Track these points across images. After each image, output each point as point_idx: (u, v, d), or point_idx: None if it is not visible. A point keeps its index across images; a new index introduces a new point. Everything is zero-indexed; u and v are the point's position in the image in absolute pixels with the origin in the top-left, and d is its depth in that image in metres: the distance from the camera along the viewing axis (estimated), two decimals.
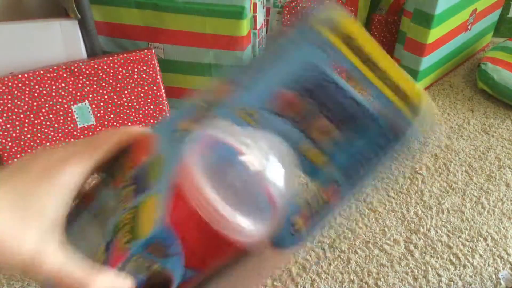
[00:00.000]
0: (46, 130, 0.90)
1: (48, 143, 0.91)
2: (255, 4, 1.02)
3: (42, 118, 0.89)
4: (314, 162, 0.36)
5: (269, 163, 0.33)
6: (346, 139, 0.34)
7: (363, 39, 0.31)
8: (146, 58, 0.93)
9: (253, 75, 0.33)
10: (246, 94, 0.34)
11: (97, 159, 0.32)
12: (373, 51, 0.31)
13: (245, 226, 0.31)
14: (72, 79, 0.90)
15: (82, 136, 0.93)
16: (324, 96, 0.34)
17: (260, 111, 0.34)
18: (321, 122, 0.34)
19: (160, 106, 0.96)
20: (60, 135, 0.91)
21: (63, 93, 0.90)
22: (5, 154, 0.89)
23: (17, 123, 0.88)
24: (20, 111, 0.87)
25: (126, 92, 0.93)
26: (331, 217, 0.32)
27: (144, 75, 0.94)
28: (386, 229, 0.81)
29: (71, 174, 0.30)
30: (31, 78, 0.87)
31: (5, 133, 0.88)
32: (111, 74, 0.92)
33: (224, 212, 0.30)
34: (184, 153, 0.31)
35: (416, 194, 0.88)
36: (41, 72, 0.88)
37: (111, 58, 0.92)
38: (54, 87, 0.89)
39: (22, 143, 0.89)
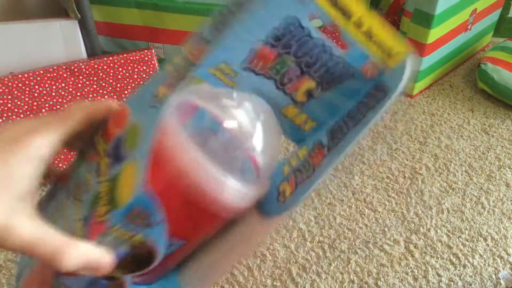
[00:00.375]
0: None
1: None
2: None
3: None
4: (299, 126, 0.35)
5: (252, 129, 0.31)
6: (332, 100, 0.33)
7: None
8: (146, 58, 0.93)
9: (229, 31, 0.31)
10: (222, 52, 0.31)
11: (68, 129, 0.31)
12: (354, 5, 0.30)
13: (233, 185, 0.29)
14: (72, 79, 0.90)
15: None
16: (308, 54, 0.32)
17: (239, 71, 0.32)
18: (306, 83, 0.33)
19: None
20: None
21: (63, 93, 0.90)
22: None
23: None
24: (20, 111, 0.87)
25: (126, 92, 0.93)
26: (318, 182, 0.31)
27: (144, 75, 0.94)
28: (386, 229, 0.81)
29: (40, 144, 0.29)
30: (31, 78, 0.87)
31: None
32: (111, 74, 0.92)
33: (212, 170, 0.28)
34: (162, 117, 0.29)
35: (416, 194, 0.88)
36: (41, 72, 0.88)
37: (111, 58, 0.92)
38: (54, 87, 0.89)
39: None
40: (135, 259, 0.31)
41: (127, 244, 0.30)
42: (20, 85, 0.87)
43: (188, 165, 0.28)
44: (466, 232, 0.81)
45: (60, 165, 0.85)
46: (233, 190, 0.30)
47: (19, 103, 0.87)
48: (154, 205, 0.29)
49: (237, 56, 0.32)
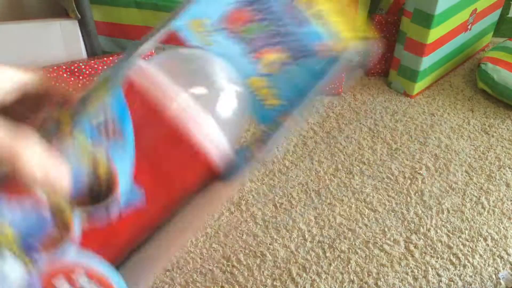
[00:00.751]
0: None
1: None
2: None
3: None
4: (263, 100, 0.36)
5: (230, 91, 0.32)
6: (296, 77, 0.34)
7: None
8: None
9: None
10: (199, 8, 0.33)
11: None
12: None
13: (213, 128, 0.30)
14: (72, 79, 0.90)
15: None
16: (278, 24, 0.34)
17: (214, 29, 0.34)
18: (274, 53, 0.34)
19: None
20: None
21: None
22: None
23: None
24: None
25: None
26: (280, 136, 0.33)
27: None
28: (386, 229, 0.81)
29: None
30: None
31: None
32: None
33: (196, 114, 0.29)
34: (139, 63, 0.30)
35: (416, 194, 0.88)
36: (41, 72, 0.88)
37: (111, 58, 0.92)
38: None
39: None
40: (91, 195, 0.29)
41: (88, 164, 0.28)
42: None
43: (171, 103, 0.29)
44: (466, 232, 0.81)
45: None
46: (212, 133, 0.30)
47: None
48: (125, 112, 0.29)
49: (213, 15, 0.34)
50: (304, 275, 0.74)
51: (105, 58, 0.91)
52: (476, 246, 0.79)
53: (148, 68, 0.31)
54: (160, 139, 0.30)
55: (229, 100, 0.33)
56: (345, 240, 0.79)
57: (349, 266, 0.75)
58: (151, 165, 0.30)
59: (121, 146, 0.29)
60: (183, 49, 0.35)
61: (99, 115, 0.29)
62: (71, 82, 0.88)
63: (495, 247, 0.79)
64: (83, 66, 0.89)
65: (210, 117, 0.30)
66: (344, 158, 0.95)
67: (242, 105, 0.34)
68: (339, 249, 0.78)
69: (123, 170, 0.29)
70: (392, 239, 0.80)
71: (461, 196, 0.88)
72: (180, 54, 0.35)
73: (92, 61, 0.90)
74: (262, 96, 0.35)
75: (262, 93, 0.35)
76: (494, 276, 0.75)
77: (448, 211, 0.85)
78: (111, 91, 0.30)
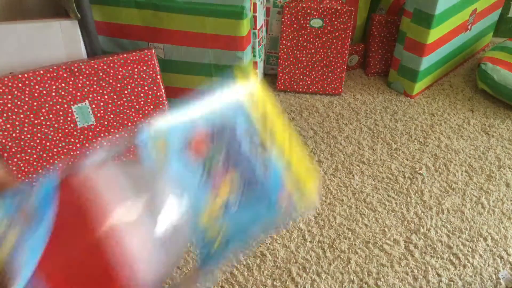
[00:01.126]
0: (46, 130, 0.90)
1: (48, 143, 0.91)
2: (255, 4, 1.02)
3: (42, 118, 0.89)
4: (210, 240, 0.36)
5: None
6: (243, 221, 0.35)
7: (278, 125, 0.34)
8: (146, 58, 0.93)
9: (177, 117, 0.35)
10: (167, 128, 0.35)
11: None
12: (280, 133, 0.34)
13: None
14: (72, 79, 0.90)
15: (82, 136, 0.93)
16: (235, 159, 0.35)
17: (177, 153, 0.34)
18: (232, 183, 0.35)
19: (160, 106, 0.96)
20: (60, 135, 0.91)
21: (63, 93, 0.90)
22: (5, 154, 0.89)
23: (17, 123, 0.88)
24: (20, 111, 0.87)
25: (126, 92, 0.93)
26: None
27: (144, 75, 0.93)
28: (386, 229, 0.81)
29: None
30: (31, 78, 0.87)
31: (5, 133, 0.88)
32: (111, 74, 0.92)
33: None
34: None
35: (416, 194, 0.88)
36: (41, 72, 0.88)
37: (111, 58, 0.92)
38: (54, 87, 0.89)
39: (22, 143, 0.89)
40: None
41: None
42: (20, 85, 0.87)
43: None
44: (466, 232, 0.81)
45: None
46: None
47: (19, 103, 0.87)
48: (48, 208, 0.28)
49: (176, 139, 0.35)
50: (304, 275, 0.74)
51: (105, 58, 0.91)
52: (476, 246, 0.79)
53: (98, 176, 0.31)
54: (86, 252, 0.29)
55: (169, 227, 0.32)
56: (345, 240, 0.79)
57: (349, 266, 0.75)
58: (69, 275, 0.29)
59: (32, 233, 0.28)
60: (143, 165, 0.35)
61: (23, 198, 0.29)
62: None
63: (495, 247, 0.79)
64: (83, 66, 0.89)
65: (141, 241, 0.29)
66: (344, 158, 0.95)
67: (182, 234, 0.34)
68: (339, 249, 0.78)
69: (27, 261, 0.27)
70: (392, 239, 0.80)
71: (461, 196, 0.88)
72: (137, 169, 0.35)
73: (92, 61, 0.90)
74: (209, 234, 0.35)
75: (210, 229, 0.35)
76: (494, 276, 0.75)
77: (448, 211, 0.85)
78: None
